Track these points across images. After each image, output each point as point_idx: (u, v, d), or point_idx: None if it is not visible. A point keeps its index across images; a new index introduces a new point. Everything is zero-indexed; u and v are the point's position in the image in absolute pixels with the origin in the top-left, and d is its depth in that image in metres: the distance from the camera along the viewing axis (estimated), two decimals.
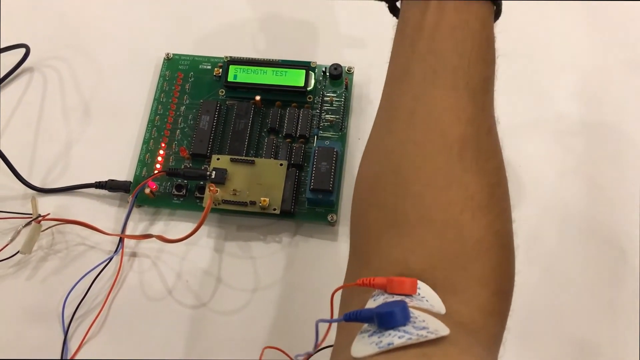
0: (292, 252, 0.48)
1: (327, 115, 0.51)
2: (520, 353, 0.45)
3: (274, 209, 0.47)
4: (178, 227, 0.49)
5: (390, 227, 0.30)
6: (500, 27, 0.54)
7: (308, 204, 0.48)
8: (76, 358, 0.45)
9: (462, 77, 0.30)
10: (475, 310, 0.28)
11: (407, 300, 0.26)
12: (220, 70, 0.53)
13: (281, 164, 0.48)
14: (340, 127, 0.51)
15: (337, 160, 0.47)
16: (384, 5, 0.37)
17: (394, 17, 0.36)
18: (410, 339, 0.24)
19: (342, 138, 0.50)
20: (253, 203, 0.47)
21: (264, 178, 0.47)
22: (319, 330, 0.29)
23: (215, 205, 0.46)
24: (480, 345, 0.27)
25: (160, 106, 0.53)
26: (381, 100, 0.34)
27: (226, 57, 0.53)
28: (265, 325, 0.46)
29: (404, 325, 0.24)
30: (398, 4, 0.36)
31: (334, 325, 0.29)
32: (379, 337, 0.24)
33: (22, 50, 0.54)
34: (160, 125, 0.52)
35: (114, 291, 0.47)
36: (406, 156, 0.30)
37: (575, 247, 0.48)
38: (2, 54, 0.55)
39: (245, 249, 0.48)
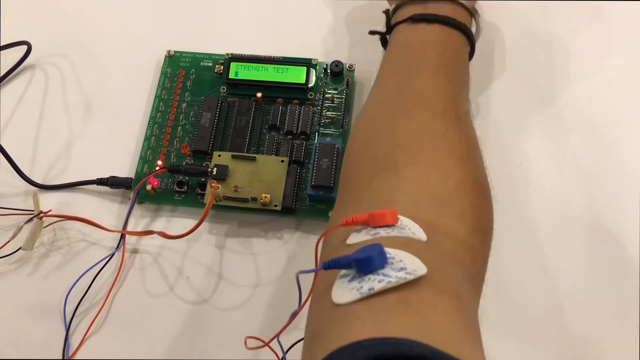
0: (293, 248, 0.48)
1: (328, 112, 0.51)
2: (520, 349, 0.45)
3: (275, 206, 0.47)
4: (179, 223, 0.49)
5: (380, 171, 0.33)
6: (501, 25, 0.55)
7: (309, 201, 0.48)
8: (78, 354, 0.45)
9: (443, 71, 0.37)
10: (455, 244, 0.30)
11: (389, 230, 0.28)
12: (222, 67, 0.53)
13: (282, 161, 0.48)
14: (342, 124, 0.51)
15: (338, 156, 0.48)
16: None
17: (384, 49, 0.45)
18: (390, 282, 0.25)
19: (343, 135, 0.50)
20: (254, 199, 0.47)
21: (265, 174, 0.47)
22: (300, 283, 0.30)
23: (217, 201, 0.47)
24: (460, 277, 0.28)
25: (161, 103, 0.53)
26: (372, 88, 0.40)
27: (227, 54, 0.53)
28: (267, 321, 0.46)
29: (382, 268, 0.25)
30: (388, 37, 0.43)
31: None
32: (359, 282, 0.25)
33: (24, 48, 0.54)
34: (161, 122, 0.52)
35: (115, 287, 0.47)
36: (397, 116, 0.35)
37: (576, 244, 0.48)
38: (3, 52, 0.55)
39: (246, 245, 0.48)
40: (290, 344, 0.40)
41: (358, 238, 0.28)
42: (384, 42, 0.45)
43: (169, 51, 0.55)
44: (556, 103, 0.52)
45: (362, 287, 0.25)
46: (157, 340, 0.46)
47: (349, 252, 0.26)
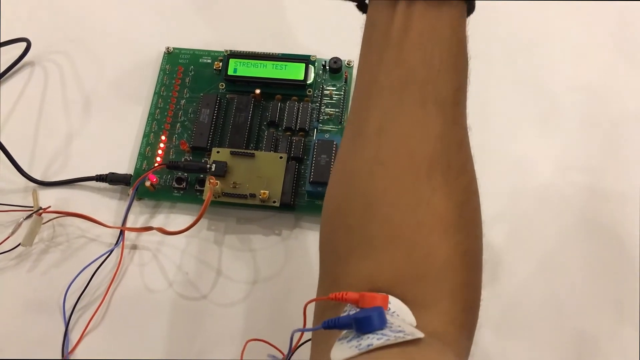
0: (292, 244, 0.48)
1: (326, 109, 0.51)
2: (519, 346, 0.45)
3: (274, 202, 0.47)
4: (178, 219, 0.49)
5: (357, 248, 0.29)
6: (501, 20, 0.55)
7: (308, 197, 0.48)
8: (77, 349, 0.45)
9: (431, 92, 0.29)
10: (446, 324, 0.28)
11: None
12: (221, 63, 0.53)
13: (281, 157, 0.48)
14: (340, 121, 0.51)
15: (336, 152, 0.48)
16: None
17: (363, 14, 0.35)
18: (388, 339, 0.24)
19: (342, 131, 0.50)
20: (253, 196, 0.47)
21: (264, 171, 0.48)
22: (293, 340, 0.30)
23: (215, 197, 0.47)
24: (452, 355, 0.28)
25: (160, 100, 0.53)
26: (349, 114, 0.33)
27: (226, 51, 0.53)
28: (265, 317, 0.46)
29: (382, 329, 0.25)
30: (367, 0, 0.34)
31: (306, 337, 0.30)
32: (357, 341, 0.25)
33: (23, 44, 0.55)
34: (160, 118, 0.52)
35: (114, 283, 0.47)
36: (373, 178, 0.30)
37: (574, 240, 0.48)
38: (3, 48, 0.55)
39: (245, 241, 0.48)
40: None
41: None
42: (362, 7, 0.36)
43: (168, 48, 0.55)
44: (555, 98, 0.53)
45: (360, 344, 0.25)
46: (156, 335, 0.46)
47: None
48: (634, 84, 0.53)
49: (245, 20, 0.57)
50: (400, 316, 0.27)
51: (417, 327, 0.27)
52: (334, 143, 0.48)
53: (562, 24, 0.55)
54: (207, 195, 0.45)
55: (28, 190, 0.50)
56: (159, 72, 0.54)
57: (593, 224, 0.48)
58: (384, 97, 0.30)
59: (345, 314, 0.28)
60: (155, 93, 0.53)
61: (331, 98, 0.52)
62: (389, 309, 0.27)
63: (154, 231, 0.47)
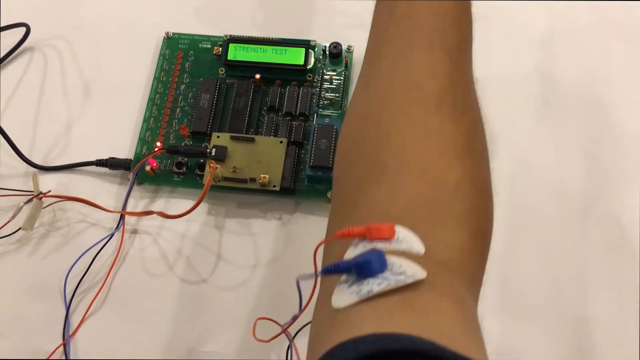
0: (292, 228, 0.48)
1: (326, 94, 0.51)
2: (520, 332, 0.45)
3: (274, 186, 0.47)
4: (178, 204, 0.49)
5: (372, 177, 0.31)
6: (506, 9, 0.54)
7: (308, 181, 0.48)
8: (78, 333, 0.46)
9: (438, 38, 0.32)
10: (453, 250, 0.29)
11: (385, 244, 0.27)
12: (220, 49, 0.53)
13: (281, 142, 0.48)
14: (340, 105, 0.51)
15: (336, 137, 0.48)
16: None
17: None
18: (389, 284, 0.24)
19: (342, 116, 0.50)
20: (253, 180, 0.47)
21: (264, 155, 0.48)
22: (301, 289, 0.31)
23: (216, 182, 0.47)
24: (459, 283, 0.28)
25: (160, 85, 0.53)
26: (363, 64, 0.35)
27: (226, 36, 0.53)
28: (265, 301, 0.46)
29: (382, 272, 0.25)
30: None
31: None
32: (358, 286, 0.25)
33: (23, 30, 0.54)
34: (160, 103, 0.52)
35: (115, 267, 0.47)
36: (386, 110, 0.32)
37: (574, 223, 0.48)
38: (2, 33, 0.55)
39: (245, 225, 0.48)
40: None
41: (355, 252, 0.28)
42: None
43: (168, 33, 0.55)
44: (555, 86, 0.52)
45: (361, 290, 0.25)
46: (156, 319, 0.46)
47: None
48: (634, 68, 0.53)
49: (245, 5, 0.57)
50: (409, 243, 0.27)
51: (424, 255, 0.27)
52: (334, 127, 0.48)
53: (565, 7, 0.55)
54: (207, 179, 0.45)
55: (28, 174, 0.50)
56: (159, 57, 0.54)
57: (593, 209, 0.48)
58: (394, 45, 0.33)
59: (352, 247, 0.28)
60: (155, 78, 0.53)
61: (331, 83, 0.52)
62: (397, 237, 0.28)
63: (154, 215, 0.47)
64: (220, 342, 0.45)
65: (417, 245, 0.28)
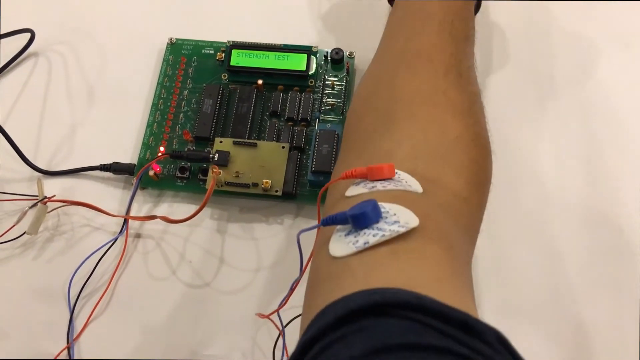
0: (294, 233, 0.49)
1: (328, 99, 0.52)
2: (519, 334, 0.45)
3: (276, 191, 0.47)
4: (181, 208, 0.50)
5: (381, 125, 0.34)
6: (502, 15, 0.55)
7: (310, 186, 0.49)
8: (82, 336, 0.46)
9: (447, 28, 0.37)
10: (451, 195, 0.31)
11: (386, 183, 0.29)
12: (223, 54, 0.53)
13: (283, 147, 0.48)
14: (342, 111, 0.51)
15: (338, 142, 0.48)
16: None
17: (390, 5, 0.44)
18: (384, 235, 0.26)
19: (344, 121, 0.51)
20: (255, 185, 0.47)
21: (266, 160, 0.48)
22: (301, 246, 0.32)
23: (218, 187, 0.47)
24: (454, 228, 0.30)
25: (163, 90, 0.53)
26: (377, 49, 0.40)
27: (229, 42, 0.54)
28: (268, 305, 0.46)
29: (377, 222, 0.26)
30: None
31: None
32: (355, 237, 0.27)
33: (27, 35, 0.55)
34: (163, 108, 0.52)
35: (118, 271, 0.48)
36: (399, 73, 0.36)
37: (575, 228, 0.48)
38: (7, 39, 0.55)
39: (247, 230, 0.49)
40: (290, 318, 0.42)
41: (356, 190, 0.30)
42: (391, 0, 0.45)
43: (171, 39, 0.55)
44: (555, 92, 0.53)
45: (357, 241, 0.26)
46: (159, 323, 0.46)
47: (347, 204, 0.28)
48: (633, 75, 0.53)
49: (248, 11, 0.58)
50: (408, 182, 0.29)
51: (420, 198, 0.29)
52: (336, 133, 0.48)
53: (563, 12, 0.56)
54: (210, 184, 0.46)
55: (33, 179, 0.51)
56: (162, 63, 0.54)
57: (593, 212, 0.49)
58: (407, 30, 0.38)
59: (353, 185, 0.30)
60: (158, 83, 0.53)
61: (333, 89, 0.52)
62: (397, 175, 0.29)
63: (158, 220, 0.47)
64: (223, 346, 0.45)
65: (415, 185, 0.30)
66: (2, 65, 0.55)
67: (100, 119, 0.54)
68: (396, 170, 0.30)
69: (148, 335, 0.46)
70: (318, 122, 0.51)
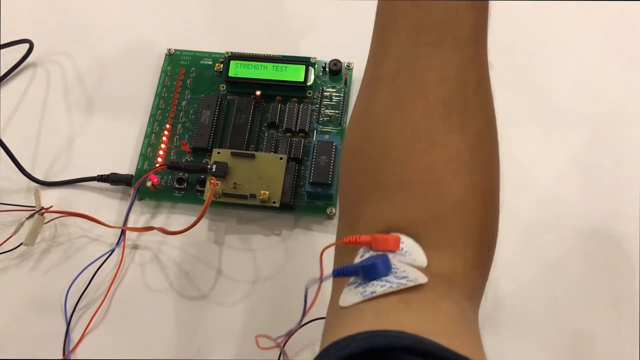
0: (292, 244, 0.49)
1: (326, 110, 0.52)
2: (517, 345, 0.45)
3: (274, 202, 0.47)
4: (179, 220, 0.50)
5: (373, 192, 0.30)
6: (500, 22, 0.55)
7: (307, 197, 0.49)
8: (78, 348, 0.46)
9: (448, 31, 0.29)
10: (457, 263, 0.29)
11: (390, 255, 0.28)
12: (221, 65, 0.54)
13: (281, 158, 0.48)
14: (340, 122, 0.51)
15: (336, 154, 0.48)
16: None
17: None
18: (391, 287, 0.26)
19: (342, 132, 0.51)
20: (253, 196, 0.47)
21: (264, 172, 0.48)
22: (307, 296, 0.30)
23: (216, 198, 0.47)
24: (460, 295, 0.29)
25: (161, 101, 0.53)
26: (367, 60, 0.33)
27: (227, 53, 0.54)
28: (265, 317, 0.46)
29: (386, 275, 0.27)
30: None
31: (323, 290, 0.30)
32: (363, 288, 0.27)
33: (26, 46, 0.55)
34: (161, 119, 0.52)
35: (115, 283, 0.48)
36: (389, 122, 0.30)
37: (573, 240, 0.48)
38: (5, 50, 0.55)
39: (245, 241, 0.49)
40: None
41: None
42: None
43: (170, 49, 0.55)
44: (552, 100, 0.53)
45: (365, 290, 0.26)
46: (156, 335, 0.46)
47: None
48: (631, 82, 0.53)
49: (246, 22, 0.58)
50: (412, 255, 0.28)
51: (427, 266, 0.28)
52: (334, 144, 0.48)
53: (562, 23, 0.56)
54: (207, 195, 0.46)
55: (30, 190, 0.51)
56: (161, 74, 0.54)
57: (590, 223, 0.48)
58: (399, 41, 0.30)
59: (358, 256, 0.29)
60: (156, 94, 0.53)
61: (331, 100, 0.52)
62: (402, 248, 0.28)
63: (155, 231, 0.47)
64: (219, 358, 0.45)
65: (420, 258, 0.28)
66: (0, 75, 0.55)
67: (98, 129, 0.54)
68: (402, 241, 0.28)
69: (145, 347, 0.46)
70: (316, 133, 0.51)
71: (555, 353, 0.45)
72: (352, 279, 0.28)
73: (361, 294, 0.26)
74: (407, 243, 0.28)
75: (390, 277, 0.26)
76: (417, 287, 0.26)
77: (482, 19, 0.30)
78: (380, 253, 0.28)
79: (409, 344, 0.22)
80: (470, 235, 0.29)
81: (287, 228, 0.49)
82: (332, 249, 0.32)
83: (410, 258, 0.28)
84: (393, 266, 0.27)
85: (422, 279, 0.26)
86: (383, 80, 0.31)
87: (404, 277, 0.26)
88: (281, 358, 0.42)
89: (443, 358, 0.22)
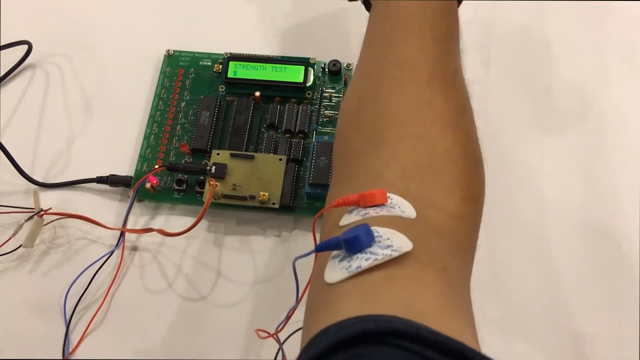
0: (291, 245, 0.48)
1: (326, 111, 0.52)
2: (518, 346, 0.45)
3: (273, 203, 0.47)
4: (178, 221, 0.50)
5: (369, 146, 0.33)
6: (498, 23, 0.55)
7: (307, 199, 0.49)
8: (78, 350, 0.46)
9: (427, 28, 0.35)
10: (443, 215, 0.30)
11: (378, 209, 0.29)
12: (221, 66, 0.53)
13: (280, 159, 0.48)
14: None
15: None
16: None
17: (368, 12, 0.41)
18: (376, 259, 0.26)
19: None
20: (252, 197, 0.47)
21: (264, 173, 0.48)
22: (296, 270, 0.32)
23: (215, 199, 0.47)
24: (448, 249, 0.29)
25: (160, 102, 0.53)
26: (359, 56, 0.38)
27: (226, 54, 0.54)
28: (265, 318, 0.46)
29: (370, 246, 0.26)
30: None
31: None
32: (348, 262, 0.26)
33: (24, 47, 0.55)
34: (160, 120, 0.52)
35: (115, 284, 0.48)
36: (382, 87, 0.35)
37: (573, 241, 0.48)
38: (4, 51, 0.55)
39: (244, 242, 0.49)
40: (290, 333, 0.41)
41: (349, 219, 0.29)
42: (367, 5, 0.42)
43: (169, 50, 0.55)
44: (552, 101, 0.53)
45: (350, 265, 0.26)
46: (156, 336, 0.46)
47: (341, 232, 0.28)
48: (631, 83, 0.53)
49: (245, 22, 0.58)
50: (401, 208, 0.29)
51: (413, 223, 0.28)
52: (333, 145, 0.48)
53: (562, 24, 0.56)
54: (207, 197, 0.45)
55: (29, 191, 0.51)
56: (160, 75, 0.54)
57: (591, 224, 0.48)
58: (388, 36, 0.36)
59: (347, 213, 0.29)
60: (155, 95, 0.53)
61: (330, 100, 0.52)
62: (390, 201, 0.29)
63: (154, 233, 0.47)
64: (219, 359, 0.45)
65: (409, 210, 0.29)
66: None
67: (97, 131, 0.54)
68: (388, 195, 0.29)
69: (144, 348, 0.46)
70: (315, 134, 0.51)
71: (555, 354, 0.45)
72: (335, 252, 0.28)
73: (346, 269, 0.26)
74: (395, 198, 0.29)
75: (374, 248, 0.26)
76: (400, 258, 0.26)
77: (454, 28, 0.37)
78: (369, 210, 0.28)
79: (401, 328, 0.22)
80: (456, 187, 0.31)
81: (286, 229, 0.49)
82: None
83: (399, 210, 0.29)
84: (376, 233, 0.27)
85: (407, 245, 0.26)
86: (375, 60, 0.36)
87: (388, 247, 0.26)
88: (278, 356, 0.42)
89: (435, 342, 0.22)
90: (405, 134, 0.32)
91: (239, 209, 0.49)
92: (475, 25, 0.55)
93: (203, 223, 0.49)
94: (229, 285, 0.47)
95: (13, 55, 0.55)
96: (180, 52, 0.55)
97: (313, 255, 0.30)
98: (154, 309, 0.47)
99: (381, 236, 0.27)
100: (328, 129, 0.51)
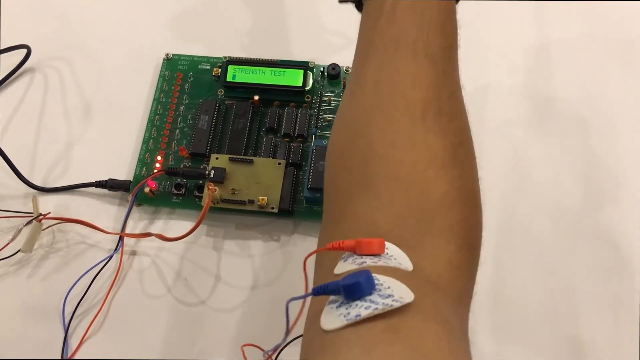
0: (290, 250, 0.48)
1: (325, 115, 0.52)
2: (516, 351, 0.45)
3: (272, 208, 0.47)
4: (177, 225, 0.49)
5: (359, 189, 0.31)
6: (497, 24, 0.55)
7: (306, 203, 0.49)
8: (77, 355, 0.46)
9: (422, 47, 0.32)
10: (441, 265, 0.29)
11: (375, 259, 0.27)
12: (219, 70, 0.53)
13: (279, 163, 0.48)
14: None
15: None
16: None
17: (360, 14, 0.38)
18: (376, 308, 0.24)
19: None
20: (251, 202, 0.47)
21: (263, 177, 0.48)
22: (289, 311, 0.29)
23: (214, 204, 0.47)
24: (447, 301, 0.28)
25: (159, 106, 0.53)
26: (349, 74, 0.36)
27: (225, 57, 0.53)
28: (264, 323, 0.46)
29: (370, 294, 0.25)
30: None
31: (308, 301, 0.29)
32: (346, 309, 0.25)
33: (23, 51, 0.55)
34: (159, 125, 0.52)
35: (113, 289, 0.47)
36: (372, 121, 0.32)
37: (569, 242, 0.48)
38: (3, 55, 0.55)
39: (243, 247, 0.49)
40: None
41: (345, 267, 0.28)
42: (359, 6, 0.39)
43: (167, 54, 0.55)
44: (551, 103, 0.53)
45: (349, 313, 0.25)
46: (155, 341, 0.46)
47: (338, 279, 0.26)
48: (630, 85, 0.53)
49: (244, 26, 0.57)
50: (398, 260, 0.28)
51: (411, 276, 0.27)
52: None
53: (559, 26, 0.56)
54: (205, 201, 0.45)
55: (28, 196, 0.51)
56: (158, 79, 0.54)
57: (590, 227, 0.48)
58: (378, 55, 0.33)
59: (341, 261, 0.28)
60: (154, 99, 0.53)
61: (329, 104, 0.52)
62: (386, 252, 0.28)
63: (153, 237, 0.47)
64: None
65: (405, 262, 0.28)
66: None
67: (96, 135, 0.53)
68: (386, 245, 0.28)
69: (143, 353, 0.46)
70: (315, 138, 0.51)
71: (554, 357, 0.45)
72: (332, 297, 0.26)
73: (344, 316, 0.25)
74: (392, 247, 0.28)
75: (374, 297, 0.25)
76: (402, 309, 0.25)
77: (451, 42, 0.33)
78: (365, 258, 0.27)
79: None
80: (453, 234, 0.30)
81: (285, 234, 0.49)
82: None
83: (395, 262, 0.27)
84: (377, 281, 0.25)
85: (408, 296, 0.25)
86: (365, 86, 0.33)
87: (389, 296, 0.25)
88: None
89: None
90: (396, 178, 0.30)
91: (238, 213, 0.49)
92: (474, 25, 0.55)
93: (202, 227, 0.49)
94: (227, 290, 0.47)
95: (12, 59, 0.55)
96: (179, 55, 0.55)
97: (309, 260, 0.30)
98: (153, 314, 0.47)
99: (382, 284, 0.25)
100: (327, 133, 0.51)
